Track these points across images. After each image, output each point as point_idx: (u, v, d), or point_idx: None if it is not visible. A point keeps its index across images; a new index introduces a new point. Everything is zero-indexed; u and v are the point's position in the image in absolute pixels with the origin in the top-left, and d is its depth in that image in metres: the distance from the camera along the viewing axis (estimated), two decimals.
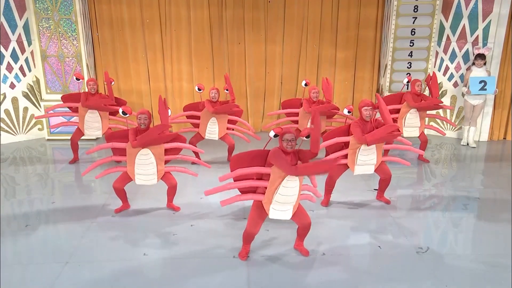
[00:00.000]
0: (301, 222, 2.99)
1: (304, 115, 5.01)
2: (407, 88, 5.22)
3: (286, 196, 2.81)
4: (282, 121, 5.32)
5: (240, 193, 3.00)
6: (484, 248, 3.26)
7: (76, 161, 5.13)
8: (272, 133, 2.82)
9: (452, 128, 6.25)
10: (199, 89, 4.88)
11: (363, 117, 3.58)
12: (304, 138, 2.84)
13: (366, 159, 3.64)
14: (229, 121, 4.92)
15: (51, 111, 5.14)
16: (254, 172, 2.85)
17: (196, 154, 4.67)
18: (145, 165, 3.53)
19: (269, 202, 2.84)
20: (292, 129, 2.85)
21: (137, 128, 3.54)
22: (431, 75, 5.09)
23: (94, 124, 4.88)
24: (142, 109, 3.58)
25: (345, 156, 3.68)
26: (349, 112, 4.00)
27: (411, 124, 4.99)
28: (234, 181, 2.93)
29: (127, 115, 3.62)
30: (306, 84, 5.13)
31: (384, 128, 3.45)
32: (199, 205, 3.93)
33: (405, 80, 5.06)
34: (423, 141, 5.12)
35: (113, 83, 4.96)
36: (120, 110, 3.64)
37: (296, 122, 5.15)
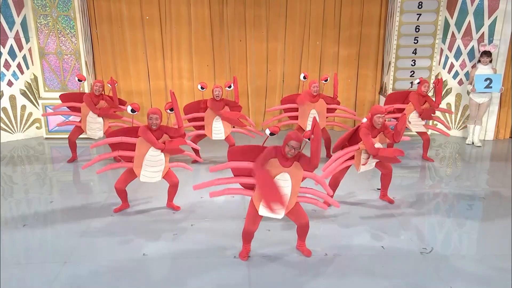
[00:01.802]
0: (299, 221, 2.96)
1: (304, 112, 4.94)
2: (414, 87, 5.14)
3: None
4: (283, 116, 5.22)
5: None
6: (489, 248, 3.21)
7: (75, 160, 5.08)
8: (267, 131, 2.82)
9: (457, 126, 6.18)
10: (202, 88, 4.79)
11: (373, 123, 3.52)
12: (307, 140, 2.78)
13: (370, 159, 3.62)
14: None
15: (58, 110, 5.06)
16: (246, 166, 2.83)
17: (196, 151, 4.61)
18: (155, 162, 3.48)
19: (259, 199, 2.82)
20: (301, 136, 2.72)
21: (148, 127, 3.45)
22: (439, 78, 4.99)
23: (95, 125, 4.83)
24: (154, 108, 3.44)
25: (351, 158, 3.64)
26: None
27: (416, 121, 4.94)
28: (234, 175, 2.94)
29: (136, 112, 3.55)
30: (304, 77, 5.06)
31: (392, 151, 3.52)
32: (200, 204, 3.89)
33: (417, 81, 4.98)
34: (426, 140, 5.06)
35: (116, 84, 4.93)
36: (129, 108, 3.53)
37: (295, 118, 5.07)
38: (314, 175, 2.91)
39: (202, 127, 4.81)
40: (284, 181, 2.78)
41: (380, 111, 3.50)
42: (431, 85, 5.09)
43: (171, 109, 3.57)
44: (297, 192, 2.86)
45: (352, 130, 3.63)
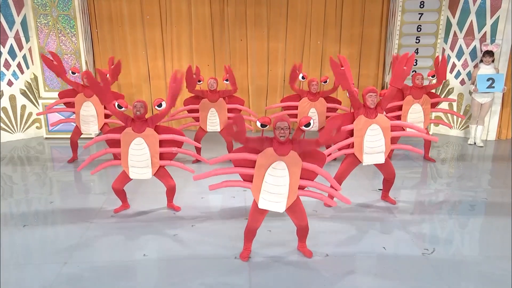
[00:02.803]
0: (298, 223, 2.93)
1: (303, 111, 4.93)
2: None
3: (274, 185, 2.74)
4: (282, 114, 5.20)
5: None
6: (491, 249, 3.19)
7: (75, 160, 5.07)
8: (258, 123, 2.76)
9: (459, 126, 6.15)
10: (199, 81, 4.79)
11: (367, 103, 3.50)
12: (304, 127, 2.74)
13: (374, 146, 3.52)
14: (232, 111, 4.85)
15: (53, 107, 5.05)
16: (246, 157, 2.80)
17: (197, 149, 4.58)
18: (139, 156, 3.44)
19: (258, 191, 2.79)
20: (286, 117, 2.71)
21: (132, 118, 3.46)
22: (440, 57, 4.86)
23: (89, 118, 4.79)
24: (138, 99, 3.51)
25: (351, 145, 3.57)
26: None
27: (415, 119, 4.88)
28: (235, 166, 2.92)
29: (123, 108, 3.53)
30: (303, 77, 5.04)
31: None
32: (200, 205, 3.87)
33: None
34: (427, 140, 5.02)
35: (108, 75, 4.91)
36: (116, 104, 3.51)
37: (294, 116, 5.04)
38: (317, 168, 2.79)
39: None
40: (281, 170, 2.72)
41: (370, 89, 3.48)
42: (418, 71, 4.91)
43: (159, 105, 3.55)
44: (296, 183, 2.77)
45: (350, 114, 3.55)
